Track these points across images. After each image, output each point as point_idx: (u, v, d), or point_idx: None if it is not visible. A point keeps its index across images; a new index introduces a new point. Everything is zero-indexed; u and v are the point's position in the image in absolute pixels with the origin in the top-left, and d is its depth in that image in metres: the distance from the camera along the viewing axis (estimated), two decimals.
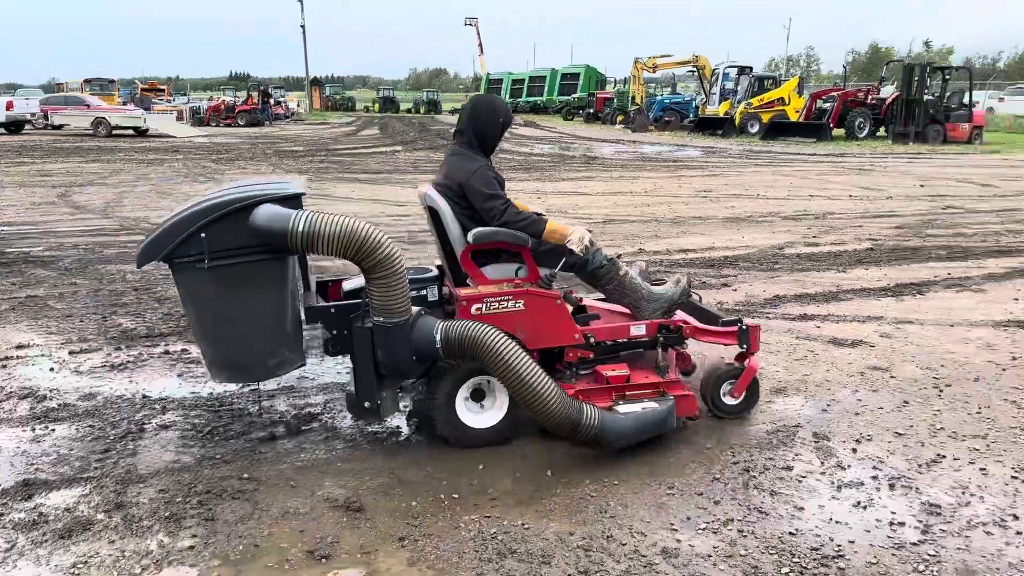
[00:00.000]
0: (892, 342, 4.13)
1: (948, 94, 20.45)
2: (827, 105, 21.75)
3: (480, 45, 52.10)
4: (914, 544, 2.30)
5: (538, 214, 2.96)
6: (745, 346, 3.15)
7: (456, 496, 2.52)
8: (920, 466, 2.78)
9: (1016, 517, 2.43)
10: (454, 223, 2.95)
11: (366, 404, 2.71)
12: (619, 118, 28.92)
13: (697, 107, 26.68)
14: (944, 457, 2.84)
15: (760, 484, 2.62)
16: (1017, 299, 4.93)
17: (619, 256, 3.13)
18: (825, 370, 3.74)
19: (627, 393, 2.93)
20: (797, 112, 22.31)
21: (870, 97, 21.33)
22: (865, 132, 20.72)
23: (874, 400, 3.37)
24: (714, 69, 25.60)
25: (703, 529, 2.35)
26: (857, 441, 2.98)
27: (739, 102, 23.54)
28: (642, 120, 26.28)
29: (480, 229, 2.90)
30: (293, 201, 2.57)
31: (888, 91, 21.54)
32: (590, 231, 3.04)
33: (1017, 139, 21.96)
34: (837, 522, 2.41)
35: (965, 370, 3.70)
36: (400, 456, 2.81)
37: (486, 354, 2.64)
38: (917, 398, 3.38)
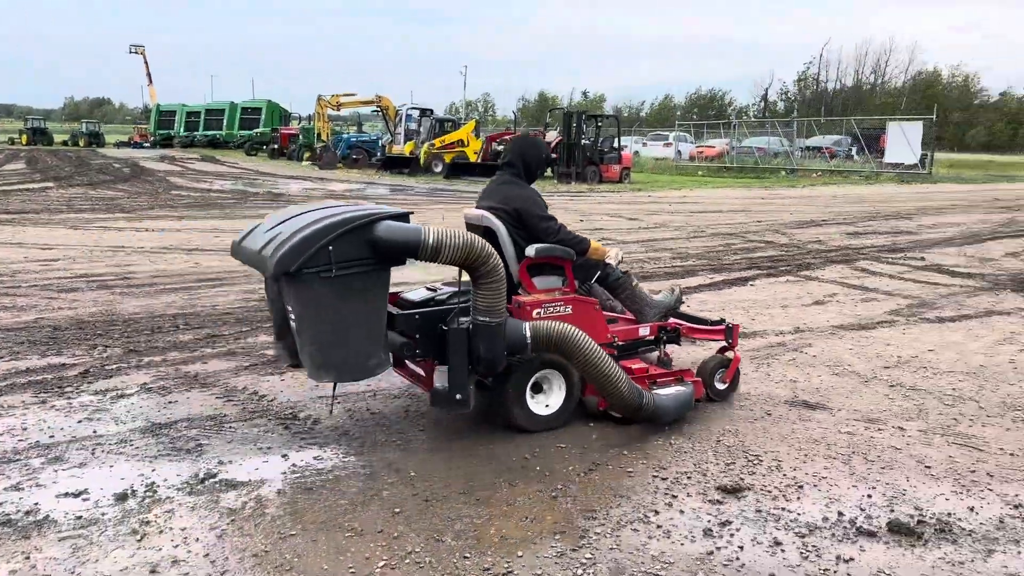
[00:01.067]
0: None
1: (602, 139, 23.75)
2: (501, 147, 23.87)
3: (148, 75, 48.05)
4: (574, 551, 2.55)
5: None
6: (728, 341, 4.04)
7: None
8: (579, 476, 3.14)
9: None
10: (509, 242, 3.61)
11: (458, 397, 3.20)
12: (306, 155, 28.56)
13: (383, 146, 27.47)
14: (598, 465, 3.24)
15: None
16: None
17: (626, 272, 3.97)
18: None
19: (658, 380, 3.66)
20: (476, 153, 24.11)
21: None
22: None
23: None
24: (397, 110, 26.62)
25: None
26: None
27: (422, 142, 24.75)
28: (330, 157, 26.26)
29: (540, 244, 3.57)
30: (403, 218, 3.08)
31: (552, 135, 24.32)
32: (620, 250, 3.97)
33: (658, 178, 26.28)
34: None
35: None
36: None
37: (571, 346, 3.28)
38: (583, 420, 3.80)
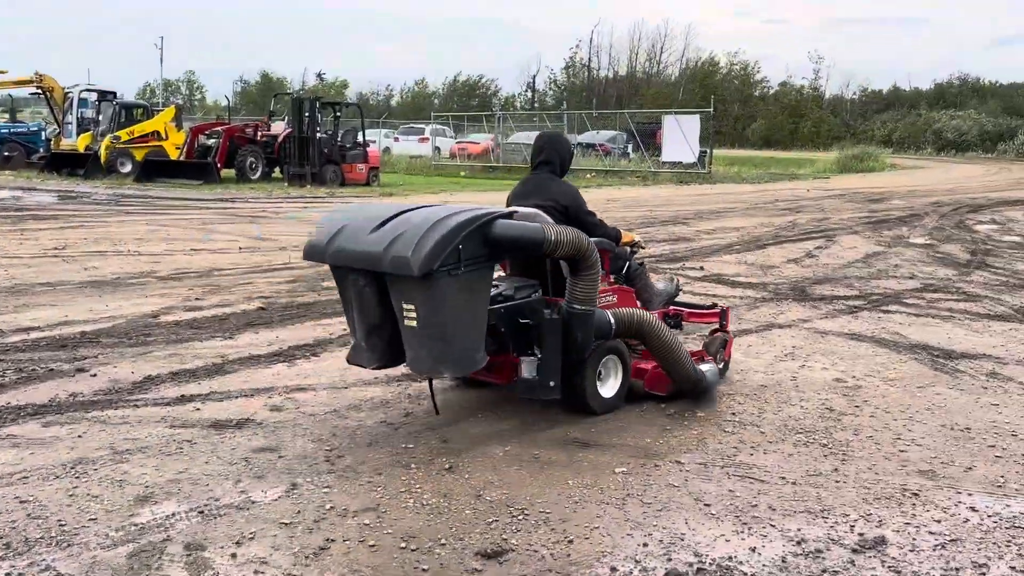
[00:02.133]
0: (283, 415, 4.45)
1: (343, 132, 23.66)
2: (212, 141, 22.86)
3: None
4: None
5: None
6: (722, 323, 5.46)
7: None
8: (307, 558, 3.01)
9: None
10: None
11: (551, 384, 4.22)
12: None
13: (49, 140, 25.18)
14: (333, 542, 3.13)
15: None
16: None
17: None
18: (204, 462, 3.80)
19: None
20: (177, 149, 22.86)
21: (260, 133, 23.22)
22: (258, 173, 22.40)
23: (259, 488, 3.55)
24: (66, 92, 24.54)
25: None
26: (237, 543, 3.08)
27: (102, 135, 23.00)
28: None
29: (598, 239, 4.58)
30: (509, 217, 3.99)
31: (279, 127, 23.77)
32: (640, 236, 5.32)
33: (413, 180, 26.67)
34: None
35: (359, 436, 4.19)
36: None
37: (649, 330, 4.52)
38: (308, 477, 3.69)
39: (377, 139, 35.75)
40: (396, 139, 39.98)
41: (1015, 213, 17.50)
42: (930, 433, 4.42)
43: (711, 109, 29.72)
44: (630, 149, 33.97)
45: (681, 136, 28.00)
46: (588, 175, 29.33)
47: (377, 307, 4.05)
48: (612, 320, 4.46)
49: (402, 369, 5.30)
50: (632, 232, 5.26)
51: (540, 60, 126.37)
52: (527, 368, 4.31)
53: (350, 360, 4.35)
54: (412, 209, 4.07)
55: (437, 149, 35.72)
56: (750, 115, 74.61)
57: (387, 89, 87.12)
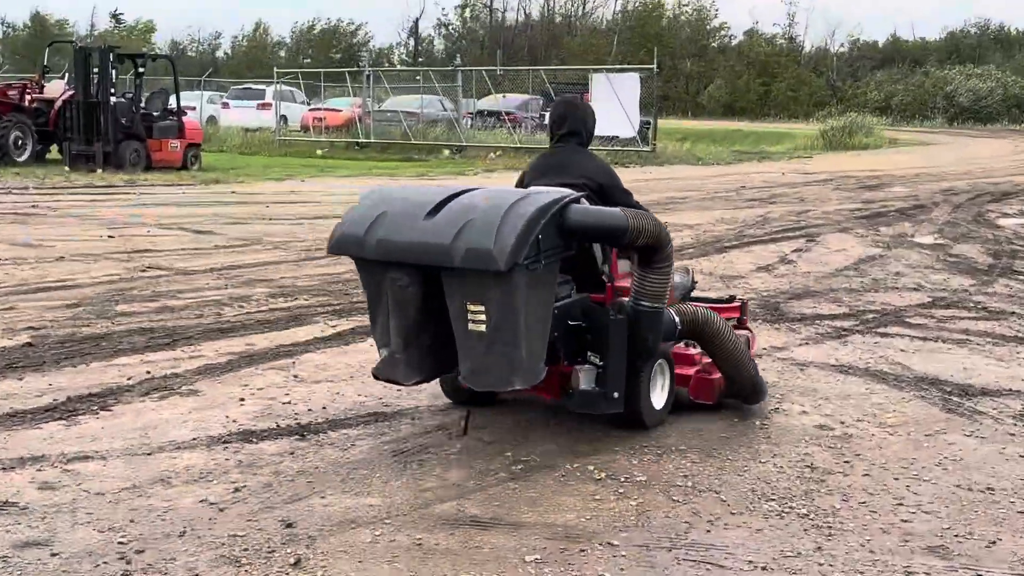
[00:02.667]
0: (58, 495, 4.31)
1: (148, 95, 23.24)
2: None
3: None
4: None
5: None
6: (743, 317, 6.25)
7: None
8: None
9: None
10: None
11: (615, 395, 4.82)
12: None
13: None
14: None
15: None
16: (243, 400, 5.76)
17: None
18: None
19: None
20: None
21: (29, 97, 22.61)
22: (27, 153, 21.79)
23: None
24: None
25: None
26: None
27: None
28: None
29: None
30: (576, 201, 4.62)
31: (58, 86, 23.20)
32: None
33: (251, 161, 26.37)
34: None
35: (167, 522, 4.09)
36: None
37: (713, 330, 5.25)
38: None
39: (198, 105, 35.31)
40: (225, 105, 39.55)
41: None
42: (941, 496, 4.55)
43: (655, 66, 30.29)
44: (548, 119, 34.36)
45: (616, 102, 28.38)
46: (492, 154, 29.52)
47: (419, 311, 4.57)
48: (677, 319, 5.17)
49: (230, 427, 5.24)
50: None
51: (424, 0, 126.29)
52: (585, 379, 4.90)
53: (379, 375, 4.83)
54: (465, 191, 4.66)
55: (284, 119, 35.48)
56: (707, 74, 76.45)
57: (213, 37, 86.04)
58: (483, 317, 4.33)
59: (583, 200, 4.81)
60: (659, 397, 5.30)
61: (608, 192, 5.41)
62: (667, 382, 5.36)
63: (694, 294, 6.41)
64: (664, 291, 4.91)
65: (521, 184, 5.60)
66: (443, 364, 4.68)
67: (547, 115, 27.93)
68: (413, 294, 4.50)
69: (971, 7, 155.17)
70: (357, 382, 6.19)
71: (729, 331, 5.41)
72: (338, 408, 5.66)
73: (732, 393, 5.62)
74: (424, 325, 4.55)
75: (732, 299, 6.50)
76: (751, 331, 6.34)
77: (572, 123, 5.63)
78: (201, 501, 4.33)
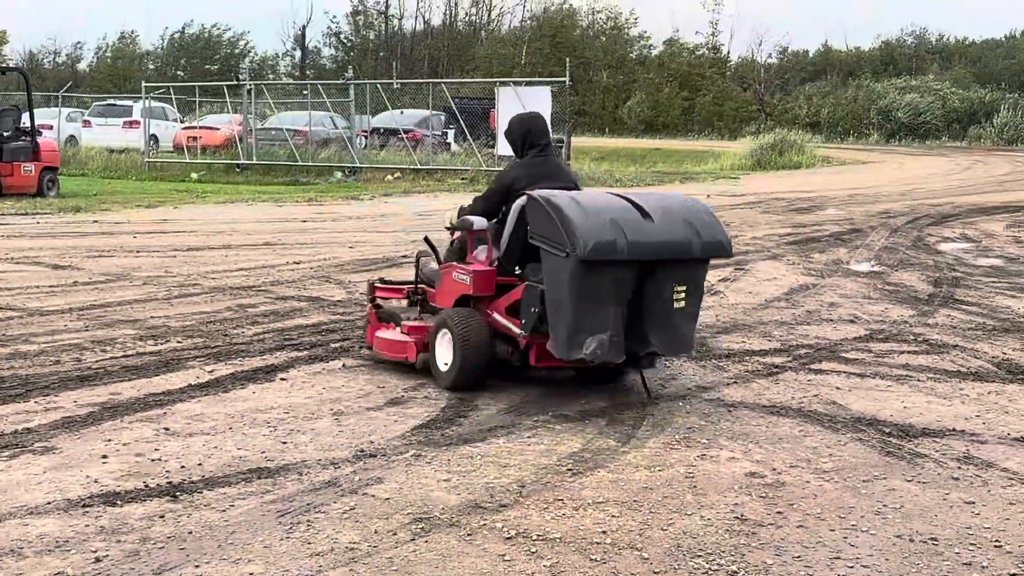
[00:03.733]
0: None
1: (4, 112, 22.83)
2: None
3: None
4: None
5: None
6: None
7: None
8: None
9: None
10: None
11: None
12: None
13: None
14: None
15: None
16: (107, 457, 5.65)
17: None
18: None
19: None
20: None
21: None
22: None
23: None
24: None
25: None
26: None
27: None
28: None
29: None
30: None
31: None
32: None
33: (117, 187, 25.97)
34: None
35: None
36: None
37: None
38: None
39: (56, 123, 34.77)
40: (87, 123, 38.94)
41: (993, 225, 18.89)
42: (881, 548, 4.63)
43: (568, 78, 30.53)
44: (451, 137, 34.41)
45: None
46: (390, 176, 29.49)
47: (630, 298, 6.39)
48: None
49: (91, 489, 5.13)
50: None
51: (312, 5, 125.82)
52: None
53: (594, 360, 6.41)
54: (635, 196, 6.60)
55: (154, 139, 35.04)
56: (626, 88, 77.32)
57: (74, 47, 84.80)
58: (683, 295, 6.39)
59: None
60: None
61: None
62: None
63: None
64: None
65: (507, 191, 7.20)
66: (629, 344, 6.47)
67: (450, 132, 28.00)
68: (628, 285, 6.33)
69: (909, 14, 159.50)
70: (237, 434, 6.11)
71: None
72: (215, 464, 5.58)
73: None
74: (628, 311, 6.40)
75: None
76: None
77: (548, 136, 7.38)
78: (57, 573, 4.22)
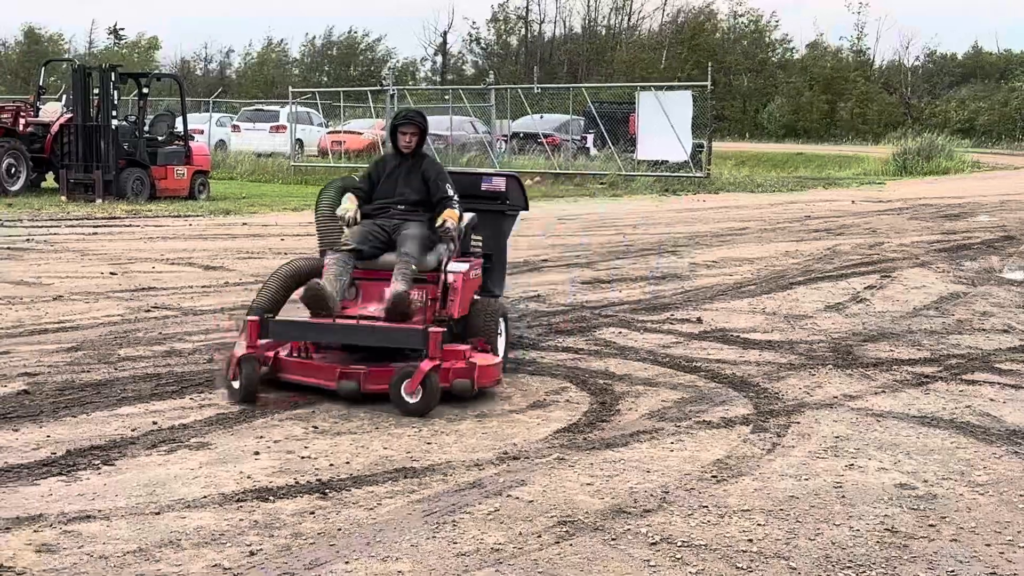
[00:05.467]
0: (58, 559, 4.31)
1: (153, 118, 23.48)
2: None
3: None
4: None
5: None
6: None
7: None
8: None
9: None
10: None
11: None
12: None
13: None
14: None
15: None
16: (259, 454, 5.79)
17: None
18: None
19: None
20: None
21: (23, 120, 22.91)
22: (20, 182, 22.05)
23: None
24: None
25: None
26: None
27: None
28: None
29: None
30: None
31: (54, 109, 23.50)
32: None
33: (265, 191, 26.53)
34: None
35: None
36: None
37: None
38: None
39: (206, 128, 35.65)
40: (236, 128, 39.86)
41: None
42: None
43: (709, 82, 30.33)
44: (591, 142, 34.41)
45: (666, 122, 28.49)
46: (530, 180, 29.60)
47: None
48: None
49: (244, 484, 5.26)
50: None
51: (453, 10, 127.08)
52: None
53: None
54: None
55: (299, 143, 35.73)
56: (766, 92, 76.41)
57: (222, 53, 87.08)
58: None
59: None
60: None
61: None
62: None
63: None
64: None
65: None
66: None
67: (589, 137, 28.10)
68: None
69: None
70: (383, 433, 6.21)
71: None
72: (363, 463, 5.68)
73: None
74: None
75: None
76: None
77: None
78: (214, 566, 4.34)
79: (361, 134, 35.31)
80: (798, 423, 6.60)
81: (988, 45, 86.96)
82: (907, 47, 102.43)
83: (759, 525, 4.91)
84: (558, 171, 30.40)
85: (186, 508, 4.97)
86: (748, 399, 7.10)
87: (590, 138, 34.48)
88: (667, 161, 29.48)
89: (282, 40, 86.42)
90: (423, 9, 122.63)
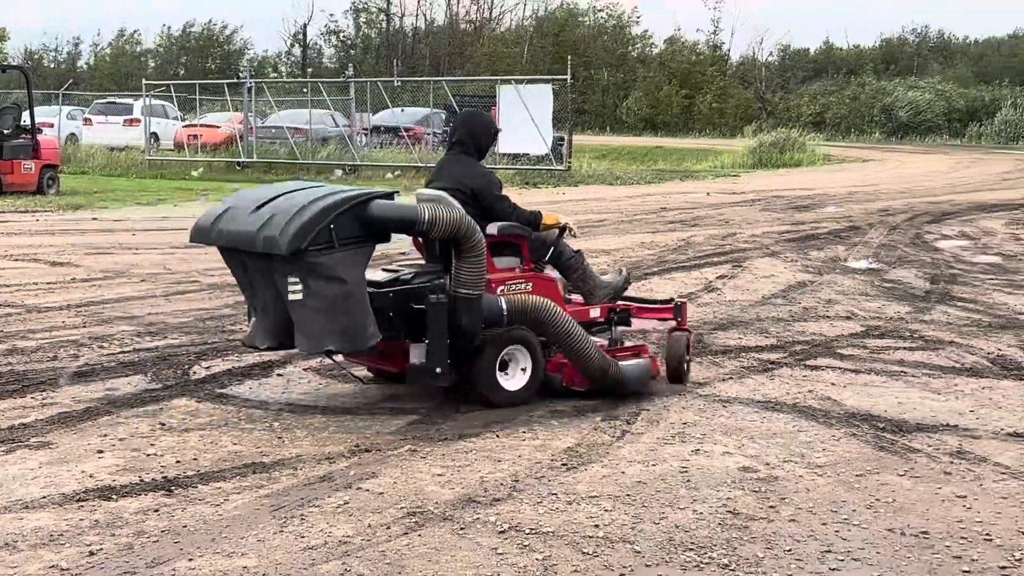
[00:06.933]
0: None
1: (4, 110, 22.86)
2: None
3: None
4: None
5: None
6: (678, 319, 7.32)
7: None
8: None
9: None
10: None
11: (438, 370, 6.24)
12: None
13: None
14: None
15: None
16: (102, 452, 5.69)
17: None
18: None
19: (618, 355, 6.89)
20: None
21: None
22: None
23: None
24: None
25: None
26: None
27: None
28: None
29: (503, 223, 6.71)
30: (389, 197, 6.29)
31: None
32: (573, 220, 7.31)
33: (117, 184, 25.98)
34: None
35: None
36: None
37: (545, 316, 6.42)
38: None
39: (56, 122, 34.76)
40: (87, 121, 38.91)
41: (991, 223, 18.88)
42: (872, 541, 4.66)
43: (569, 77, 30.56)
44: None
45: (526, 116, 28.59)
46: (390, 174, 29.51)
47: (267, 287, 6.19)
48: (504, 306, 6.37)
49: (87, 483, 5.17)
50: (558, 215, 7.20)
51: (313, 3, 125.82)
52: (415, 354, 6.36)
53: (244, 342, 6.69)
54: (296, 190, 6.29)
55: (154, 136, 35.02)
56: (626, 86, 77.28)
57: (72, 44, 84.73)
58: (299, 287, 5.92)
59: (408, 198, 6.27)
60: (515, 380, 6.58)
61: (481, 196, 6.75)
62: (529, 366, 6.59)
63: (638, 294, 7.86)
64: (477, 279, 6.22)
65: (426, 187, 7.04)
66: (290, 337, 6.18)
67: (442, 130, 28.08)
68: (259, 274, 6.17)
69: (909, 14, 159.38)
70: (233, 429, 6.16)
71: (566, 321, 6.49)
72: (211, 459, 5.62)
73: (590, 381, 6.69)
74: (272, 299, 6.18)
75: (669, 301, 7.65)
76: (689, 331, 7.45)
77: (461, 134, 7.01)
78: (51, 567, 4.26)
79: (219, 128, 34.72)
80: (648, 410, 6.70)
81: (839, 41, 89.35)
82: (761, 42, 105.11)
83: (606, 511, 4.98)
84: (419, 164, 30.29)
85: (24, 509, 4.87)
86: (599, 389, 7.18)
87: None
88: (528, 154, 29.60)
89: (135, 31, 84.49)
90: (283, 1, 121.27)
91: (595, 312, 7.15)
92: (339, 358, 6.89)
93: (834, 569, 4.37)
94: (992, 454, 5.90)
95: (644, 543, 4.61)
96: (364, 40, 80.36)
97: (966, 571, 4.38)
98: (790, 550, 4.55)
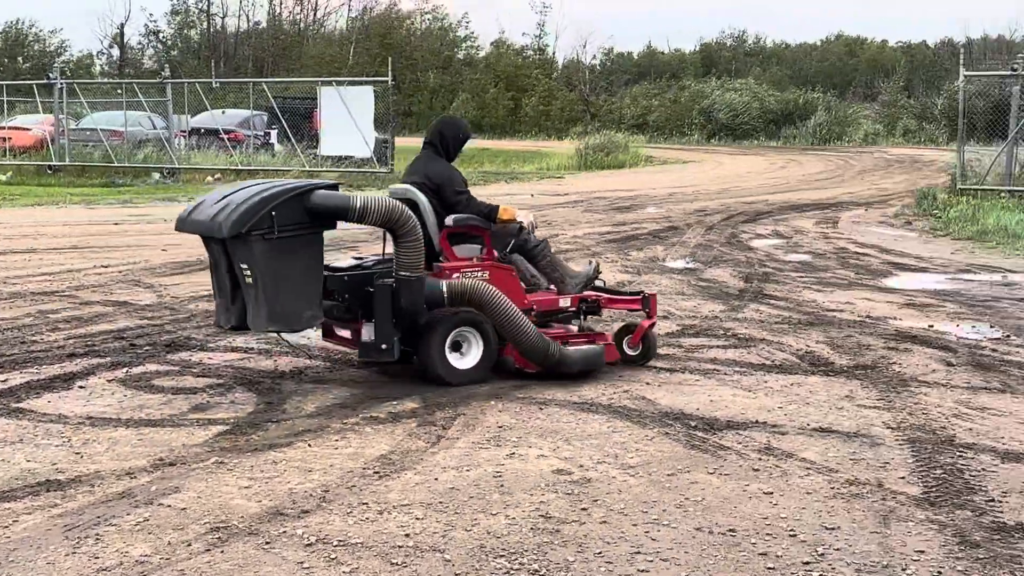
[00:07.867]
0: None
1: None
2: None
3: None
4: None
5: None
6: (647, 310, 8.01)
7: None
8: None
9: None
10: (431, 213, 7.41)
11: (383, 347, 6.94)
12: None
13: None
14: None
15: None
16: None
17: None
18: None
19: (570, 340, 7.60)
20: None
21: None
22: None
23: None
24: None
25: None
26: None
27: None
28: None
29: (456, 215, 7.49)
30: (333, 188, 6.96)
31: None
32: (531, 214, 7.98)
33: None
34: None
35: None
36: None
37: (482, 298, 7.05)
38: None
39: None
40: None
41: (803, 222, 19.42)
42: (681, 541, 4.70)
43: (391, 78, 30.36)
44: (275, 137, 33.90)
45: (348, 118, 28.34)
46: (210, 177, 28.92)
47: (227, 272, 6.87)
48: (444, 289, 7.02)
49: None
50: (516, 211, 7.65)
51: (130, 3, 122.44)
52: (366, 332, 7.07)
53: (216, 323, 7.39)
54: (262, 183, 6.99)
55: None
56: (452, 88, 77.37)
57: None
58: (249, 272, 6.64)
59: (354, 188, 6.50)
60: (467, 359, 7.21)
61: (441, 190, 7.53)
62: (480, 347, 7.21)
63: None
64: (414, 263, 6.89)
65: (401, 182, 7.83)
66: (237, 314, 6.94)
67: (273, 133, 27.60)
68: (223, 260, 6.84)
69: (727, 19, 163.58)
70: (28, 445, 5.89)
71: (505, 304, 7.02)
72: (1, 478, 5.35)
73: (532, 362, 7.28)
74: (232, 284, 6.88)
75: (639, 293, 8.31)
76: (654, 320, 8.04)
77: (432, 135, 7.87)
78: None
79: (29, 130, 33.51)
80: (464, 415, 6.65)
81: (660, 45, 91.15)
82: (584, 45, 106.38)
83: (417, 519, 4.91)
84: (239, 167, 29.75)
85: None
86: (418, 393, 7.10)
87: (274, 134, 33.89)
88: (352, 156, 29.35)
89: None
90: (99, 1, 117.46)
91: (564, 302, 7.75)
92: (296, 339, 8.02)
93: (643, 570, 4.38)
94: (798, 449, 6.02)
95: (455, 551, 4.55)
96: (184, 41, 78.64)
97: (771, 568, 4.44)
98: (600, 552, 4.54)
